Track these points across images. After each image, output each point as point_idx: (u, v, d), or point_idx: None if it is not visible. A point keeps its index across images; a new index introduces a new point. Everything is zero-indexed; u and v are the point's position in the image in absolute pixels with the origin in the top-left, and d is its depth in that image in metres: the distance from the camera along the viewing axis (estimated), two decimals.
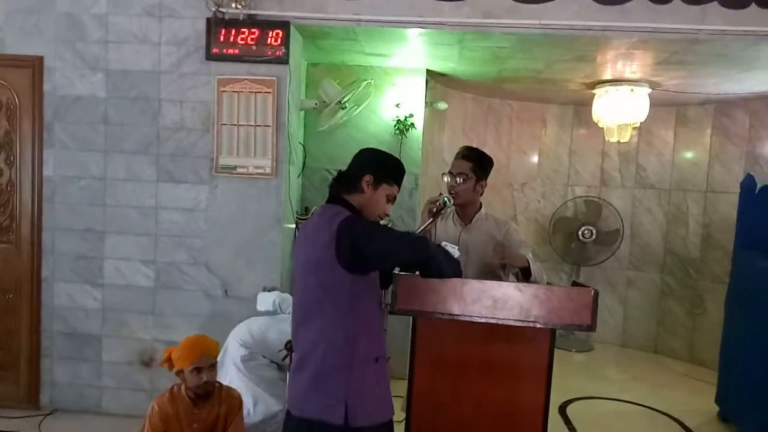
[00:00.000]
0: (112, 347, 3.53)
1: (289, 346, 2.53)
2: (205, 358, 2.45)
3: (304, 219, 3.96)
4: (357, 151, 2.04)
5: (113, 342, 3.53)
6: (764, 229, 3.72)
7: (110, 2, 3.37)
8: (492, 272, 2.55)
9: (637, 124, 4.82)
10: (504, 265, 2.53)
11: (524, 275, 2.48)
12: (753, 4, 3.07)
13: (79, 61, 3.42)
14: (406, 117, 4.25)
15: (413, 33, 3.41)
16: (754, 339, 3.48)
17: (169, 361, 2.47)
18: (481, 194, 2.66)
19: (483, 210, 2.68)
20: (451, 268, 1.93)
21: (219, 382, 2.60)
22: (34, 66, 3.43)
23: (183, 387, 2.49)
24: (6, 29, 3.42)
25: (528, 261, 2.45)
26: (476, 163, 2.60)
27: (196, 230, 3.44)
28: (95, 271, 3.50)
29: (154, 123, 3.42)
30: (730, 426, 3.83)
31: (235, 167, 3.37)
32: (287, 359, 2.54)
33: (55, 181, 3.49)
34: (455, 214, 2.69)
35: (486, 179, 2.65)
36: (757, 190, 3.84)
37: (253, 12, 3.25)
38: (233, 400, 2.58)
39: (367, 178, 1.93)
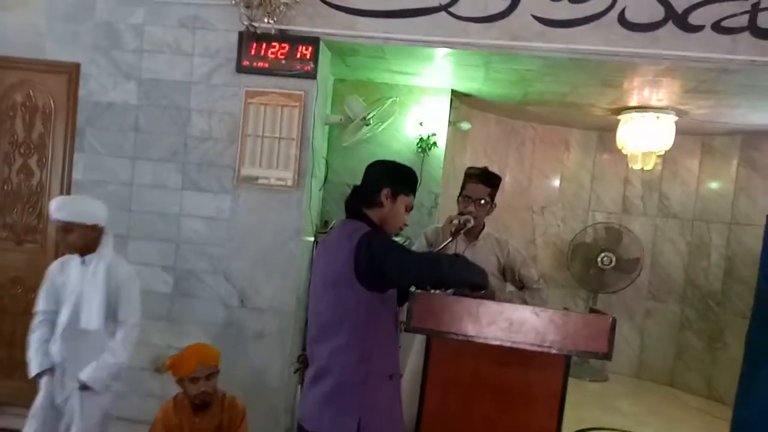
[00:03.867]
0: None
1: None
2: (203, 368, 2.44)
3: (324, 232, 3.98)
4: (368, 165, 2.06)
5: None
6: None
7: (147, 13, 3.46)
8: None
9: (662, 152, 4.77)
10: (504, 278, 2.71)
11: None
12: None
13: (113, 69, 3.51)
14: (428, 136, 4.28)
15: (440, 53, 3.44)
16: None
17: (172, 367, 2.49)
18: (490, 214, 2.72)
19: (486, 228, 2.73)
20: (472, 278, 1.90)
21: (223, 392, 2.58)
22: (71, 72, 3.53)
23: (185, 395, 2.50)
24: (46, 35, 3.53)
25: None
26: (494, 188, 2.66)
27: (217, 239, 3.48)
28: None
29: (183, 132, 3.48)
30: None
31: (257, 178, 3.41)
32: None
33: (84, 184, 3.56)
34: None
35: None
36: None
37: (284, 27, 3.31)
38: (236, 410, 2.56)
39: (386, 191, 1.94)
